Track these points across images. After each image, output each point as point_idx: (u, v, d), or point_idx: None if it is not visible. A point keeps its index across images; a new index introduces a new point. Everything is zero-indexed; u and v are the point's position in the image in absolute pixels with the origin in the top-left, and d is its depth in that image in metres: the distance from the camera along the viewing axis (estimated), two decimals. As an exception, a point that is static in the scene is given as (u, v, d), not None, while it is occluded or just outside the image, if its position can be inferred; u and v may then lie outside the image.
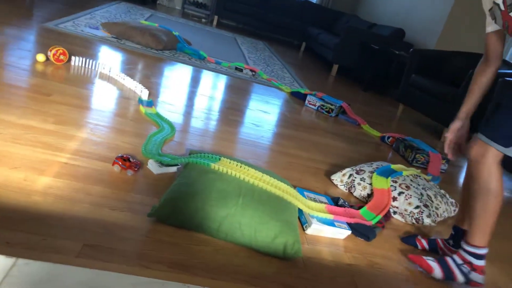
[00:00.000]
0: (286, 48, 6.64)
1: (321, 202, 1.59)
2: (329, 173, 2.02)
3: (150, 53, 3.43)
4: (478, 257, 1.33)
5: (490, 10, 1.32)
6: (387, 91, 4.97)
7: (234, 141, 2.09)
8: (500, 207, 1.29)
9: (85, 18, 4.03)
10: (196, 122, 2.19)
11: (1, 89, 1.82)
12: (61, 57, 2.41)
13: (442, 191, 1.96)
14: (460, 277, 1.35)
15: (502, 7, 1.24)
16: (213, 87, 3.06)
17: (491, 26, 1.36)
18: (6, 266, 0.63)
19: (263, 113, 2.74)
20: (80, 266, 0.97)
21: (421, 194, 1.78)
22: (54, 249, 1.01)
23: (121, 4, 5.73)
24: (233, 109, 2.63)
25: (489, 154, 1.25)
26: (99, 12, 4.61)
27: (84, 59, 2.52)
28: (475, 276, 1.33)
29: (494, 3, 1.27)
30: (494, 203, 1.28)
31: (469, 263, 1.34)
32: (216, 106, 2.60)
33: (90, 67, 2.53)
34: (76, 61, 2.49)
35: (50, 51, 2.38)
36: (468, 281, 1.34)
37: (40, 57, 2.33)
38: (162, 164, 1.53)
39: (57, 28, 3.28)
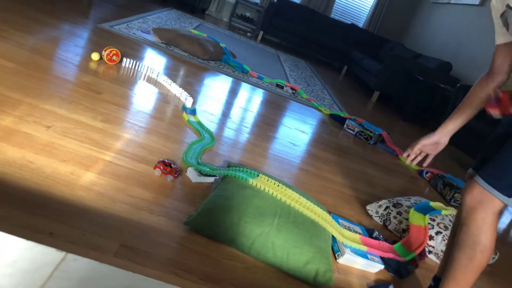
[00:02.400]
0: (327, 69, 6.63)
1: (356, 232, 1.56)
2: (363, 202, 1.98)
3: (196, 61, 3.51)
4: None
5: (502, 15, 1.10)
6: (428, 124, 4.84)
7: (270, 158, 2.09)
8: (486, 264, 1.12)
9: (138, 22, 4.18)
10: (235, 134, 2.21)
11: (57, 82, 1.90)
12: (114, 57, 2.50)
13: (482, 236, 1.87)
14: None
15: None
16: (253, 101, 3.09)
17: (502, 37, 1.16)
18: (56, 259, 0.64)
19: (301, 133, 2.73)
20: (117, 266, 0.98)
21: (460, 236, 1.70)
22: (94, 246, 1.03)
23: (171, 11, 5.92)
24: (271, 126, 2.63)
25: (489, 203, 1.07)
26: (151, 17, 4.78)
27: (134, 61, 2.60)
28: None
29: (509, 6, 1.05)
30: (480, 259, 1.09)
31: None
32: (255, 120, 2.62)
33: (139, 69, 2.61)
34: (127, 62, 2.58)
35: (105, 51, 2.48)
36: None
37: (95, 56, 2.43)
38: (201, 173, 1.55)
39: (112, 30, 3.41)
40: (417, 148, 1.32)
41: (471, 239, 1.09)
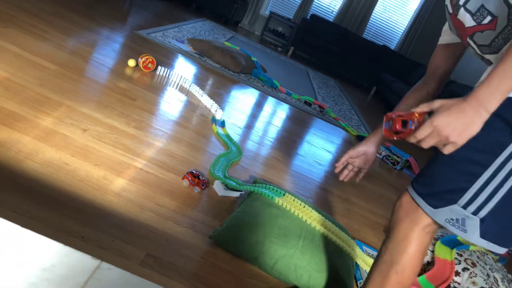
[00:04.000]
0: (355, 89, 6.59)
1: (379, 260, 1.52)
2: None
3: (227, 74, 3.56)
4: None
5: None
6: (456, 152, 4.73)
7: (294, 175, 2.08)
8: None
9: (173, 31, 4.28)
10: (261, 150, 2.22)
11: (94, 86, 1.96)
12: (149, 65, 2.56)
13: (510, 276, 1.80)
14: None
15: (450, 9, 0.91)
16: (281, 117, 3.09)
17: (446, 36, 1.05)
18: (91, 267, 0.65)
19: (327, 152, 2.71)
20: (142, 275, 0.99)
21: (488, 275, 1.64)
22: (121, 253, 1.04)
23: (206, 22, 6.04)
24: (297, 143, 2.63)
25: (414, 215, 0.89)
26: (185, 27, 4.89)
27: (168, 70, 2.66)
28: None
29: (445, 5, 0.94)
30: (395, 282, 0.90)
31: None
32: (282, 137, 2.62)
33: (172, 78, 2.66)
34: (161, 71, 2.64)
35: (141, 58, 2.54)
36: None
37: (131, 62, 2.50)
38: (227, 187, 1.56)
39: (148, 37, 3.51)
40: (344, 159, 1.16)
41: (388, 255, 0.92)
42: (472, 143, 0.77)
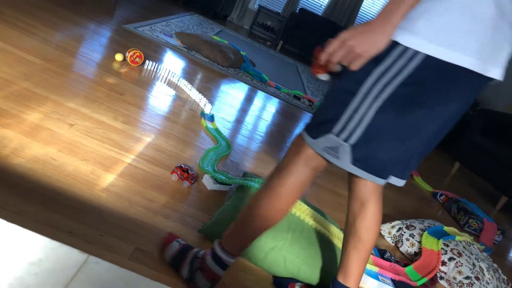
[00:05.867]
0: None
1: (367, 251, 1.54)
2: (376, 221, 1.96)
3: (216, 68, 3.54)
4: (222, 265, 1.03)
5: None
6: (443, 145, 4.79)
7: (286, 170, 2.09)
8: (268, 223, 0.99)
9: (161, 25, 4.24)
10: (250, 144, 2.22)
11: (81, 81, 1.94)
12: (137, 59, 2.54)
13: (495, 265, 1.84)
14: None
15: None
16: (270, 111, 3.10)
17: None
18: (79, 261, 0.65)
19: (316, 146, 2.72)
20: (132, 269, 0.99)
21: (473, 264, 1.68)
22: (110, 247, 1.04)
23: (194, 16, 5.99)
24: (287, 137, 2.64)
25: (300, 148, 0.94)
26: (174, 20, 4.84)
27: (156, 64, 2.64)
28: None
29: None
30: (268, 203, 0.96)
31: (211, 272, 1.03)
32: (271, 131, 2.62)
33: (160, 72, 2.64)
34: (149, 65, 2.62)
35: (128, 52, 2.52)
36: None
37: (119, 57, 2.47)
38: (216, 181, 1.56)
39: (135, 31, 3.47)
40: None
41: (270, 181, 0.98)
42: (349, 73, 0.85)
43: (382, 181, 0.92)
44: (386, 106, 0.82)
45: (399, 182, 0.98)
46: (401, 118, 0.83)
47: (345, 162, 0.87)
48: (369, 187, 1.02)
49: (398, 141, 0.86)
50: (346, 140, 0.85)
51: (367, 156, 0.86)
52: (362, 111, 0.84)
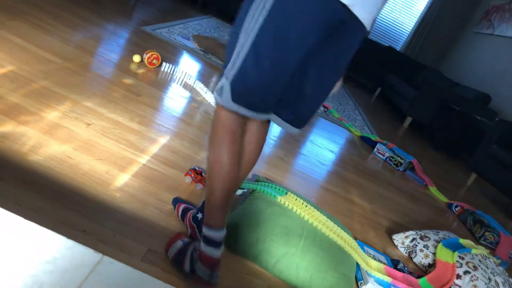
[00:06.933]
0: (359, 89, 6.57)
1: (380, 261, 1.52)
2: (389, 231, 1.94)
3: (232, 71, 3.55)
4: (214, 243, 1.02)
5: None
6: (459, 155, 4.71)
7: (297, 174, 2.08)
8: (228, 176, 0.99)
9: (179, 27, 4.28)
10: (264, 148, 2.21)
11: (99, 81, 1.97)
12: (154, 61, 2.56)
13: (511, 280, 1.79)
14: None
15: None
16: (285, 116, 3.08)
17: None
18: (93, 261, 0.65)
19: (330, 152, 2.70)
20: (143, 270, 0.99)
21: (489, 278, 1.64)
22: (123, 248, 1.05)
23: (212, 19, 6.03)
24: (301, 142, 2.62)
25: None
26: (191, 23, 4.88)
27: (173, 66, 2.66)
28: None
29: None
30: (213, 149, 0.98)
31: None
32: (285, 136, 2.61)
33: (177, 75, 2.66)
34: (166, 67, 2.64)
35: (146, 54, 2.54)
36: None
37: (136, 58, 2.50)
38: (229, 184, 1.55)
39: (153, 33, 3.51)
40: None
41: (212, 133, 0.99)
42: (238, 16, 0.91)
43: (261, 116, 0.94)
44: (258, 40, 0.85)
45: (291, 129, 1.02)
46: (268, 50, 0.85)
47: (227, 99, 0.89)
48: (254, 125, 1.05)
49: (265, 72, 0.87)
50: (227, 78, 0.89)
51: (247, 92, 0.89)
52: (239, 48, 0.87)
